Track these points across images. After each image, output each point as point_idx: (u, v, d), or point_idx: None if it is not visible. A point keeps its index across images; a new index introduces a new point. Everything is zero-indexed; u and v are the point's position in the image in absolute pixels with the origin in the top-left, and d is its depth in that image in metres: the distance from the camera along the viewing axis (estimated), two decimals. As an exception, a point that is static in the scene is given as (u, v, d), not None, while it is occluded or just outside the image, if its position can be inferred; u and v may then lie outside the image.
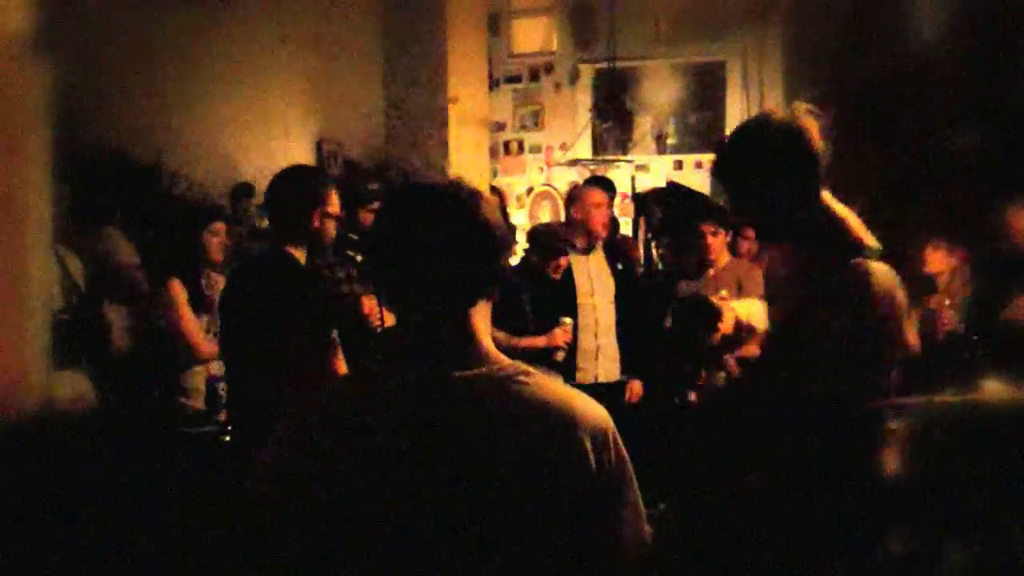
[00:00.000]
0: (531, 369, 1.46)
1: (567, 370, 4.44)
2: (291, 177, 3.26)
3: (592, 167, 8.18)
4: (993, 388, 3.22)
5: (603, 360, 4.62)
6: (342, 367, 3.15)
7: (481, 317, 1.46)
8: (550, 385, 1.45)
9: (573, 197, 4.81)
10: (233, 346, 3.26)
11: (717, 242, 4.65)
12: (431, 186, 1.49)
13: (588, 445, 1.39)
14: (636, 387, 4.63)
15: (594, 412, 1.44)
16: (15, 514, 2.99)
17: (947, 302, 4.19)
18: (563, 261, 4.55)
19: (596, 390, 3.60)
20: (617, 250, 5.01)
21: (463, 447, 1.38)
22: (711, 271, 4.69)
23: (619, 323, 4.64)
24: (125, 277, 4.21)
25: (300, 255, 3.21)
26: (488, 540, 1.37)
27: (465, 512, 1.37)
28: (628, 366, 4.67)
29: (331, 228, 3.27)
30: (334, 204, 3.25)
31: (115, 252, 4.28)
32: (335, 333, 3.13)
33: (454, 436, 1.38)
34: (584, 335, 4.55)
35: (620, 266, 4.81)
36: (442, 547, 1.37)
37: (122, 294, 4.18)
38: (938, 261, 4.23)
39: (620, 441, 1.45)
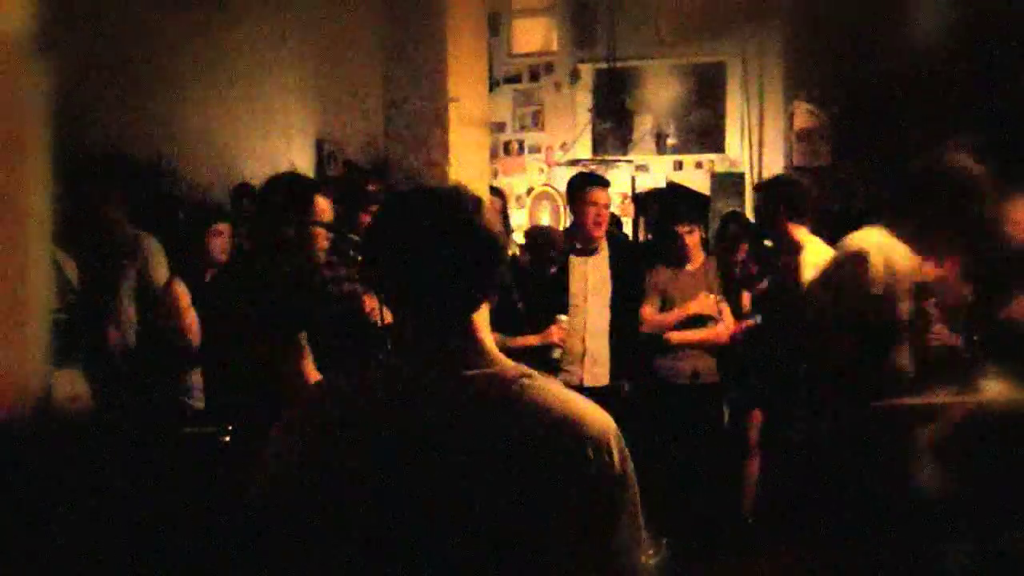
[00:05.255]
0: (534, 372, 1.46)
1: (552, 372, 4.36)
2: (275, 183, 3.27)
3: (592, 167, 8.17)
4: (993, 388, 3.22)
5: (590, 364, 4.51)
6: (311, 370, 3.16)
7: (480, 320, 1.46)
8: (553, 388, 1.44)
9: (573, 196, 4.71)
10: (211, 350, 3.29)
11: (692, 240, 4.97)
12: (431, 194, 1.48)
13: (591, 449, 1.39)
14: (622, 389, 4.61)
15: (597, 416, 1.44)
16: (14, 513, 2.99)
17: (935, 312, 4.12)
18: (553, 269, 4.52)
19: (582, 394, 3.57)
20: (621, 253, 4.93)
21: (464, 445, 1.38)
22: (688, 266, 4.95)
23: (612, 328, 4.57)
24: (161, 299, 4.23)
25: (281, 260, 3.20)
26: (488, 539, 1.37)
27: (465, 511, 1.36)
28: (617, 371, 4.59)
29: (318, 235, 3.25)
30: (320, 212, 3.23)
31: (153, 269, 4.29)
32: (303, 336, 3.12)
33: (455, 434, 1.38)
34: (571, 338, 4.45)
35: (622, 270, 4.73)
36: (442, 545, 1.37)
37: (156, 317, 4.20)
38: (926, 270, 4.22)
39: (623, 444, 1.44)
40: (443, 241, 1.41)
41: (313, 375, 3.18)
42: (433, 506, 1.37)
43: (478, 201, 1.46)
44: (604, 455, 1.40)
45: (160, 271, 4.32)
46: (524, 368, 1.45)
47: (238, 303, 3.13)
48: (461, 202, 1.44)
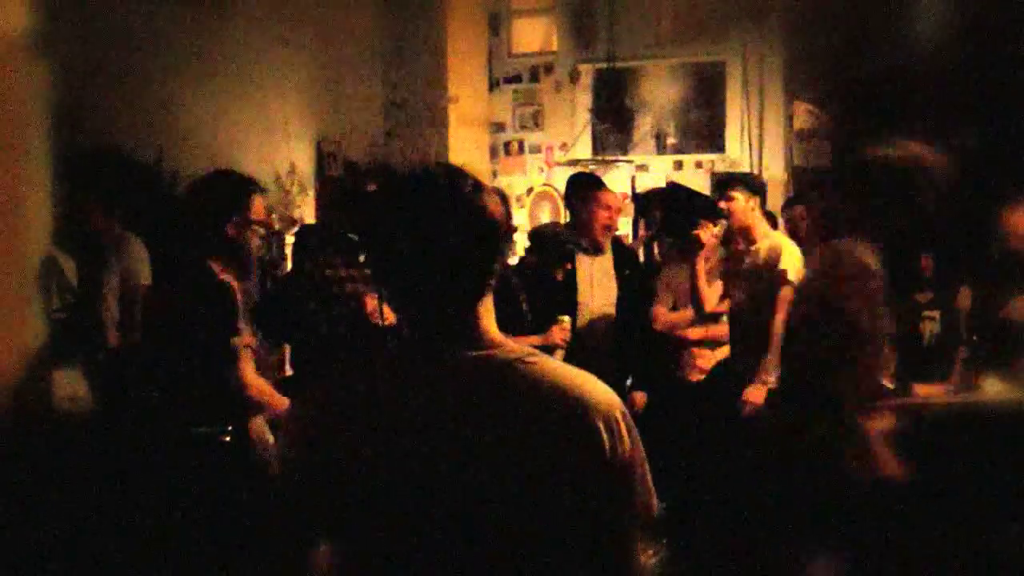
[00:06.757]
0: (537, 351, 1.46)
1: None
2: (207, 184, 3.22)
3: (592, 167, 8.17)
4: (993, 388, 3.24)
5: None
6: (250, 374, 3.14)
7: (484, 306, 1.46)
8: (559, 367, 1.45)
9: (583, 195, 4.69)
10: (152, 355, 3.29)
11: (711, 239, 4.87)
12: (431, 180, 1.45)
13: (600, 426, 1.39)
14: (639, 399, 4.61)
15: (604, 393, 1.44)
16: (13, 512, 2.99)
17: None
18: (567, 265, 4.52)
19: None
20: (624, 254, 4.94)
21: (470, 425, 1.38)
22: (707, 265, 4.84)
23: (618, 327, 4.60)
24: (139, 305, 4.24)
25: (217, 265, 3.15)
26: (499, 519, 1.37)
27: (475, 491, 1.37)
28: (625, 371, 4.64)
29: (252, 237, 3.21)
30: (256, 211, 3.18)
31: (137, 274, 4.29)
32: (240, 341, 3.10)
33: (461, 414, 1.38)
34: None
35: (627, 271, 4.74)
36: (452, 524, 1.37)
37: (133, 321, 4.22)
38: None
39: (631, 420, 1.44)
40: (441, 224, 1.40)
41: (253, 380, 3.16)
42: (442, 488, 1.37)
43: (477, 183, 1.44)
44: (613, 429, 1.40)
45: (143, 273, 4.32)
46: (527, 348, 1.46)
47: (174, 308, 3.12)
48: (459, 184, 1.43)
